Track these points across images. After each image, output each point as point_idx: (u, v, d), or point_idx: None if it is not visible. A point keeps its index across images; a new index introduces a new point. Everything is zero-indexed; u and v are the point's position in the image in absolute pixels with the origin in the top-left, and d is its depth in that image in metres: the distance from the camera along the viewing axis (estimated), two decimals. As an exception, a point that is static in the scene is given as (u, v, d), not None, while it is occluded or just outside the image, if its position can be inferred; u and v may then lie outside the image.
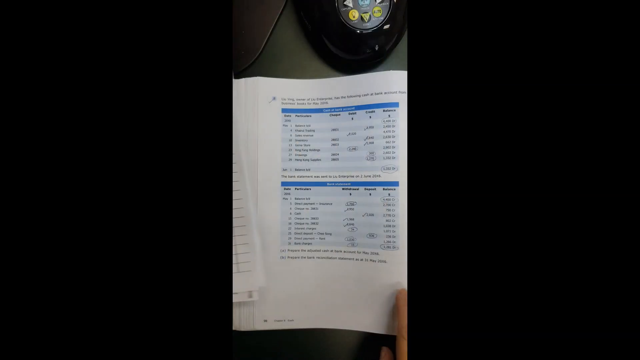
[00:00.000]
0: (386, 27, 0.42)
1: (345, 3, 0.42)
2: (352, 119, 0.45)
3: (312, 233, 0.45)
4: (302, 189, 0.45)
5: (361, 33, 0.42)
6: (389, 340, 0.43)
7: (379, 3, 0.42)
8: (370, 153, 0.44)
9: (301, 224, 0.45)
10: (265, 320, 0.45)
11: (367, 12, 0.42)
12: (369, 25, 0.42)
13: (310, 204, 0.45)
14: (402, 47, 0.46)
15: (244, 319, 0.45)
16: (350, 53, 0.44)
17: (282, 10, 0.47)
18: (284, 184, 0.45)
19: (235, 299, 0.43)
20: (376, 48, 0.43)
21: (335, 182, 0.45)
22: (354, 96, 0.45)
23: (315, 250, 0.45)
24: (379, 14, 0.42)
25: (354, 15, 0.42)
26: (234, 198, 0.44)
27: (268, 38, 0.47)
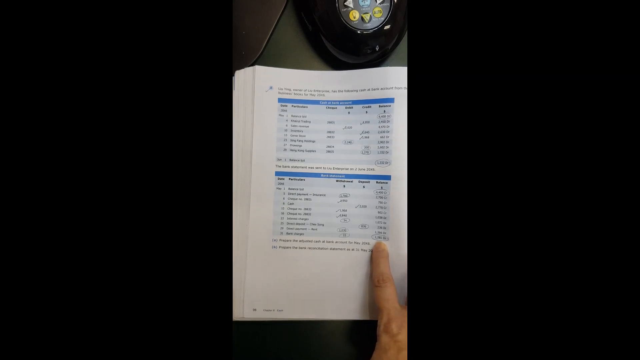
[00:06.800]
0: (387, 27, 0.44)
1: (345, 4, 0.44)
2: (349, 113, 0.46)
3: (304, 224, 0.45)
4: (296, 180, 0.46)
5: (362, 33, 0.44)
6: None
7: (380, 3, 0.44)
8: (366, 147, 0.45)
9: (294, 214, 0.45)
10: (255, 310, 0.44)
11: (367, 13, 0.44)
12: (369, 25, 0.44)
13: (304, 194, 0.46)
14: (403, 47, 0.47)
15: (233, 307, 0.44)
16: (351, 54, 0.45)
17: (283, 11, 0.48)
18: (277, 173, 0.46)
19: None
20: (376, 48, 0.44)
21: (329, 174, 0.46)
22: (352, 91, 0.46)
23: (307, 241, 0.45)
24: (380, 15, 0.44)
25: (354, 15, 0.44)
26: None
27: (269, 39, 0.48)
